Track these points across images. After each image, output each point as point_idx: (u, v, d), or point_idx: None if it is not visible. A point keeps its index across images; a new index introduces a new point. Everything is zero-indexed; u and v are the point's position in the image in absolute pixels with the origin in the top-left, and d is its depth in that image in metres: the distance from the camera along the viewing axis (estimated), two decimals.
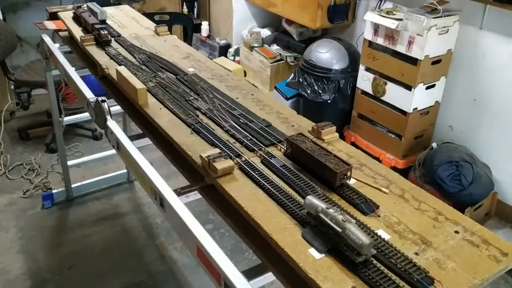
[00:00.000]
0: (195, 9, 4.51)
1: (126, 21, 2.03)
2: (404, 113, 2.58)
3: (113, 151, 1.77)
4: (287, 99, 3.16)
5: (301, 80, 2.98)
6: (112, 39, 1.74)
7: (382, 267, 0.75)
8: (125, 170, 2.87)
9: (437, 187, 2.47)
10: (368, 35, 2.64)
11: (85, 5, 1.98)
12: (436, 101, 2.69)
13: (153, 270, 2.22)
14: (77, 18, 1.96)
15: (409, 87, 2.51)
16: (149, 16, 2.47)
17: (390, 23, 2.45)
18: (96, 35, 1.69)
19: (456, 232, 0.83)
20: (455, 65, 2.61)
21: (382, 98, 2.67)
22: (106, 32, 1.69)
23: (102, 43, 1.67)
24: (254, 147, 1.08)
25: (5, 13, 3.49)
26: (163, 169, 2.52)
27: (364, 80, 2.76)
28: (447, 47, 2.53)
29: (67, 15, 2.04)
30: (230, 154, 1.04)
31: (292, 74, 3.08)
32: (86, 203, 2.69)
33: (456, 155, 2.49)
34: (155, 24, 1.94)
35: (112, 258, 2.29)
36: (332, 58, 2.92)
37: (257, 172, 0.98)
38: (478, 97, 2.57)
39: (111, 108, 1.39)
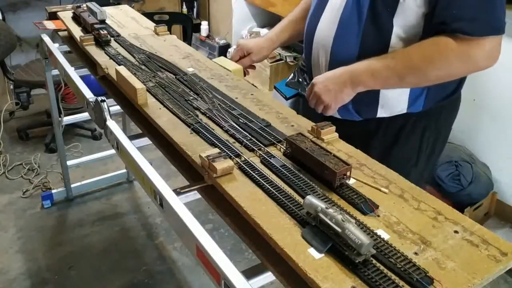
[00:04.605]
0: (195, 9, 4.51)
1: (125, 21, 2.03)
2: None
3: (113, 151, 1.78)
4: (287, 99, 3.14)
5: (300, 80, 2.97)
6: (112, 39, 1.74)
7: (382, 267, 0.75)
8: (124, 170, 2.87)
9: (437, 187, 2.47)
10: None
11: (84, 5, 1.98)
12: None
13: (153, 270, 2.22)
14: (76, 18, 1.96)
15: None
16: (149, 16, 2.46)
17: None
18: (96, 34, 1.69)
19: (456, 232, 0.83)
20: None
21: None
22: (105, 32, 1.69)
23: (102, 43, 1.67)
24: (253, 147, 1.08)
25: (4, 13, 3.49)
26: (162, 169, 2.53)
27: None
28: None
29: (66, 15, 2.04)
30: (230, 154, 1.04)
31: (292, 74, 3.06)
32: (85, 203, 2.69)
33: (456, 155, 2.49)
34: (154, 24, 1.94)
35: (112, 258, 2.29)
36: None
37: (256, 172, 0.98)
38: (477, 97, 2.57)
39: (111, 108, 1.39)
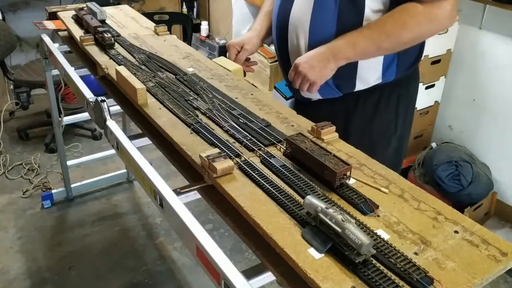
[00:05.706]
0: (195, 9, 4.51)
1: (125, 21, 2.03)
2: None
3: (113, 151, 1.78)
4: (287, 99, 3.14)
5: None
6: (112, 39, 1.73)
7: (382, 267, 0.75)
8: (124, 170, 2.87)
9: (437, 187, 2.47)
10: None
11: (84, 5, 1.98)
12: (435, 101, 2.69)
13: (153, 270, 2.22)
14: (78, 20, 1.95)
15: None
16: (149, 16, 2.46)
17: None
18: (100, 38, 1.68)
19: (456, 232, 0.83)
20: (455, 65, 2.62)
21: None
22: (109, 35, 1.67)
23: (106, 47, 1.65)
24: (253, 147, 1.08)
25: (4, 13, 3.49)
26: (162, 169, 2.53)
27: None
28: (447, 47, 2.53)
29: (66, 15, 2.04)
30: (230, 154, 1.04)
31: None
32: (85, 203, 2.69)
33: (456, 155, 2.49)
34: (154, 24, 1.94)
35: (112, 258, 2.29)
36: None
37: (256, 172, 0.98)
38: (477, 97, 2.57)
39: (111, 108, 1.39)
